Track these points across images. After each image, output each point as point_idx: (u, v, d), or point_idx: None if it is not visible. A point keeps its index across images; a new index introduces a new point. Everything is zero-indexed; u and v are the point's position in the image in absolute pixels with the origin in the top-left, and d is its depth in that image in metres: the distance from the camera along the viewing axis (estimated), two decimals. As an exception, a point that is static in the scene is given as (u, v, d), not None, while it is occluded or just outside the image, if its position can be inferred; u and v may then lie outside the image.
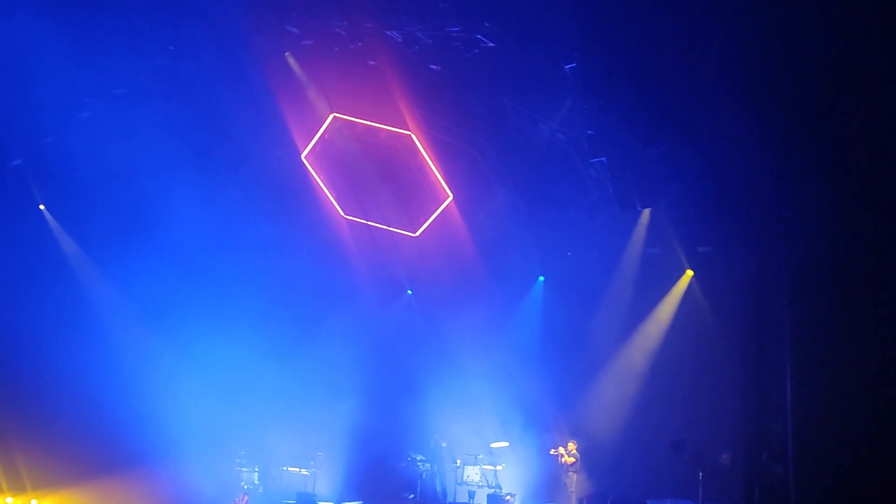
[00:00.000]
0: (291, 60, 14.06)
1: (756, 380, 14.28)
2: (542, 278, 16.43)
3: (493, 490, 15.28)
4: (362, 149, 15.22)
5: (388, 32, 13.13)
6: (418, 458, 15.81)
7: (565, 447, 15.19)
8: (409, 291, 17.42)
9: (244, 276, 16.00)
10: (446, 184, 15.30)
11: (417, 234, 15.89)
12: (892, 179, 11.94)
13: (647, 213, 14.70)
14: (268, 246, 16.21)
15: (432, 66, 13.49)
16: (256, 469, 16.23)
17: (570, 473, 15.11)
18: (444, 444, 15.94)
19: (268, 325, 15.92)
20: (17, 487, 14.73)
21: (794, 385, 13.16)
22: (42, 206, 15.79)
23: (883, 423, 11.86)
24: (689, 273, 15.25)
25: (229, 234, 15.68)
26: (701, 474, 13.91)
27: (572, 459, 15.09)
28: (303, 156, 15.37)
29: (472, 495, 15.50)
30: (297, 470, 16.16)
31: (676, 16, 11.27)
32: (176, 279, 15.40)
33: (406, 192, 15.58)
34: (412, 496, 15.62)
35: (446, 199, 15.48)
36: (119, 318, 15.72)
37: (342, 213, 16.11)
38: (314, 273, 16.58)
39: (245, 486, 15.74)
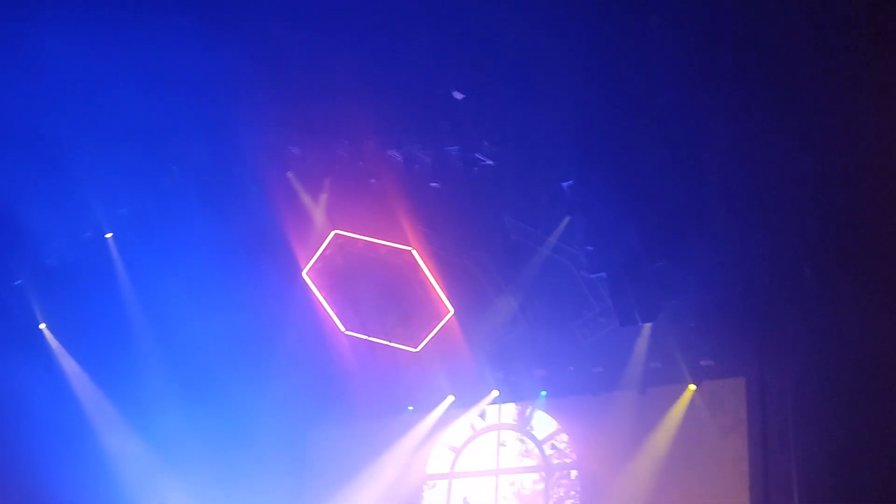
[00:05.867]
0: (293, 179, 14.31)
1: (763, 495, 14.13)
2: (544, 393, 16.32)
3: None
4: (363, 265, 15.31)
5: (389, 152, 13.40)
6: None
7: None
8: (410, 408, 17.30)
9: (246, 395, 16.00)
10: (447, 299, 15.33)
11: (419, 348, 15.86)
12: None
13: (647, 327, 14.68)
14: (268, 362, 16.21)
15: (432, 184, 13.70)
16: None
17: None
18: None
19: (262, 437, 15.99)
20: None
21: (801, 496, 13.09)
22: (43, 326, 15.86)
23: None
24: (692, 387, 15.16)
25: (231, 353, 15.70)
26: None
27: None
28: (304, 272, 15.44)
29: None
30: None
31: (674, 134, 11.53)
32: (178, 399, 15.43)
33: (407, 308, 15.60)
34: None
35: (447, 313, 15.49)
36: (120, 444, 15.71)
37: (343, 329, 16.10)
38: (311, 385, 16.64)
39: None
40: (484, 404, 16.74)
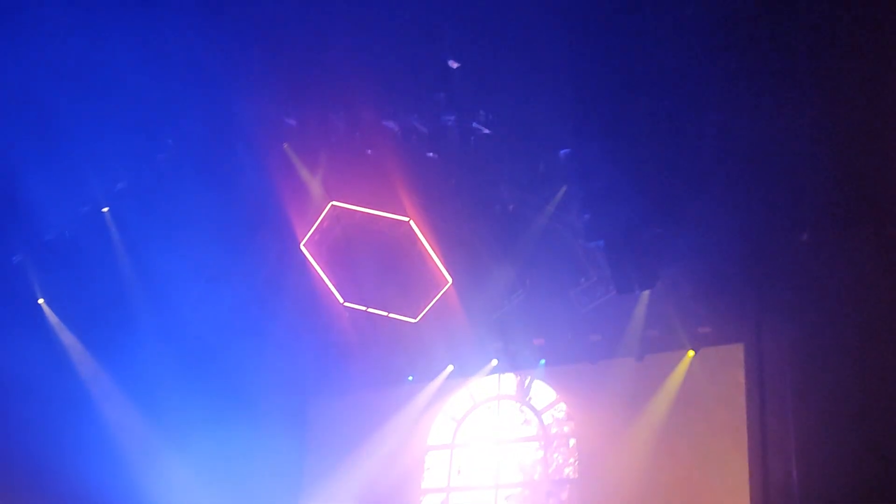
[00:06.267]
0: (289, 151, 14.27)
1: (761, 460, 14.19)
2: (542, 362, 16.37)
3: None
4: (361, 236, 15.30)
5: (386, 122, 13.37)
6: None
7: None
8: (410, 378, 17.35)
9: (246, 368, 16.05)
10: (445, 269, 15.33)
11: (418, 319, 15.88)
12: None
13: (645, 295, 14.70)
14: (267, 334, 16.24)
15: (429, 154, 13.68)
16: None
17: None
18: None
19: (263, 410, 16.12)
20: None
21: (799, 461, 13.16)
22: (41, 301, 15.85)
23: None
24: (690, 354, 15.21)
25: (230, 326, 15.72)
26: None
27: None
28: (302, 244, 15.43)
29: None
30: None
31: (670, 101, 11.51)
32: (178, 372, 15.48)
33: (405, 278, 15.60)
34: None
35: (446, 283, 15.49)
36: (120, 417, 15.76)
37: (341, 301, 16.11)
38: (311, 356, 16.70)
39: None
40: (483, 374, 16.81)
